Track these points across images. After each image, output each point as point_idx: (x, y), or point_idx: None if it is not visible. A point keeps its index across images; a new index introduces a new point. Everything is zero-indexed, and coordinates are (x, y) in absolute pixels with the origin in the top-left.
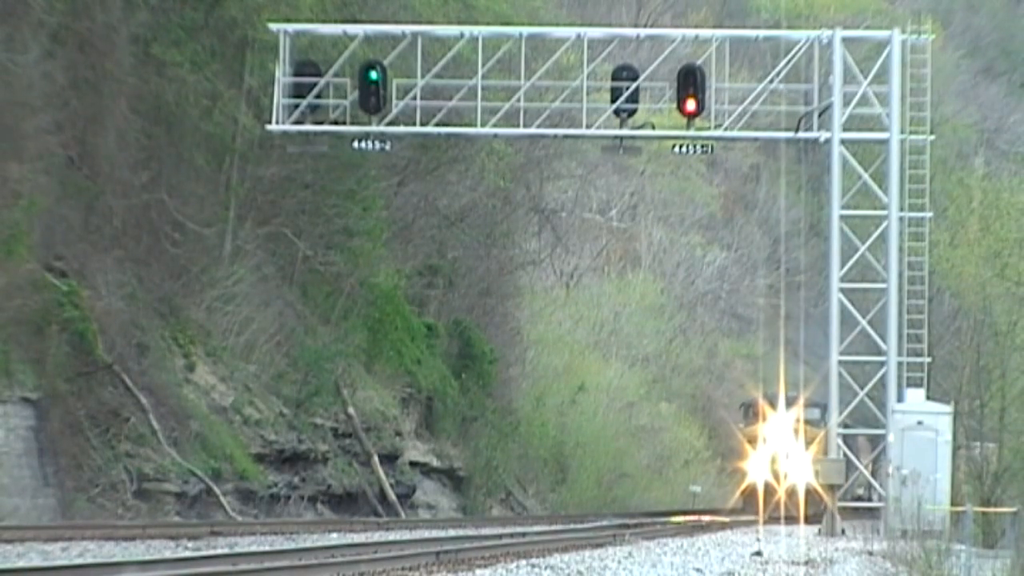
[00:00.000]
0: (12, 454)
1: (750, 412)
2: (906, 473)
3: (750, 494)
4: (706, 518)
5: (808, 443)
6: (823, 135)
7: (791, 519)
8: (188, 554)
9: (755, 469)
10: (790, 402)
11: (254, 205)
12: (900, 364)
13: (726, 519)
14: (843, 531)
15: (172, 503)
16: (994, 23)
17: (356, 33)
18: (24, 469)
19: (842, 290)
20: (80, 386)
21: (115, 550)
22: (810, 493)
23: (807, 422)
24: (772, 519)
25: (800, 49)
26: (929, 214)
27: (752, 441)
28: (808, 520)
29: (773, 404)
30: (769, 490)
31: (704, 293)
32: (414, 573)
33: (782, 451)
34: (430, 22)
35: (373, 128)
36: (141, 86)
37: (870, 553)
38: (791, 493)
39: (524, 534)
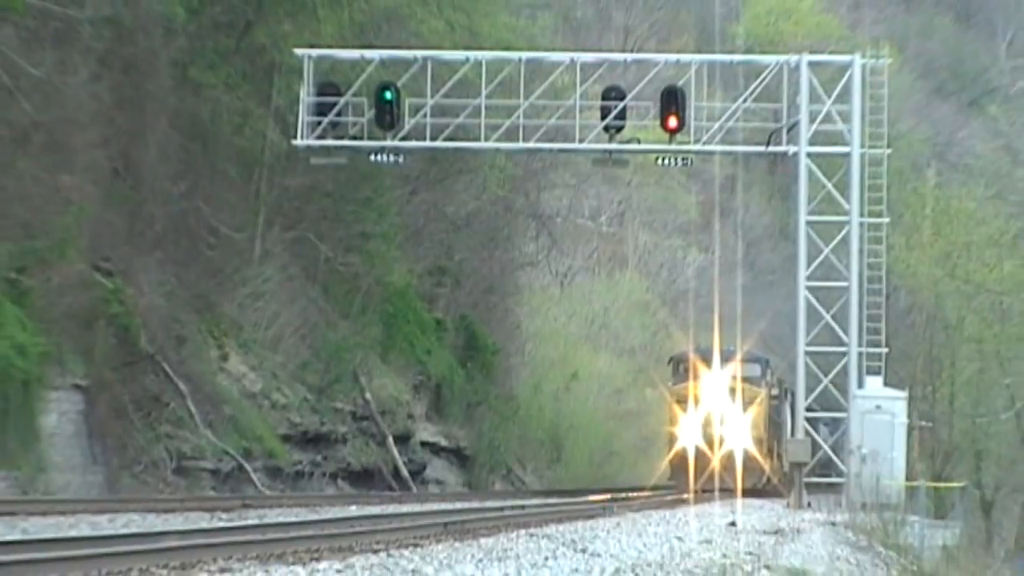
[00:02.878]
0: (64, 435)
1: (680, 368)
2: (865, 452)
3: (679, 463)
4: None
5: (747, 404)
6: (791, 149)
7: (726, 491)
8: (222, 525)
9: (685, 434)
10: (726, 357)
11: (281, 212)
12: (860, 354)
13: (648, 494)
14: (809, 504)
15: (207, 479)
16: (945, 48)
17: (372, 57)
18: (75, 449)
19: (808, 288)
20: (125, 374)
21: (156, 521)
22: (748, 461)
23: (745, 379)
24: (705, 491)
25: (770, 72)
26: (886, 220)
27: (682, 401)
28: (745, 493)
29: (706, 359)
30: (701, 458)
31: (685, 291)
32: (424, 542)
33: (717, 412)
34: (439, 47)
35: (388, 143)
36: (179, 105)
37: (833, 524)
38: (727, 461)
39: (523, 507)
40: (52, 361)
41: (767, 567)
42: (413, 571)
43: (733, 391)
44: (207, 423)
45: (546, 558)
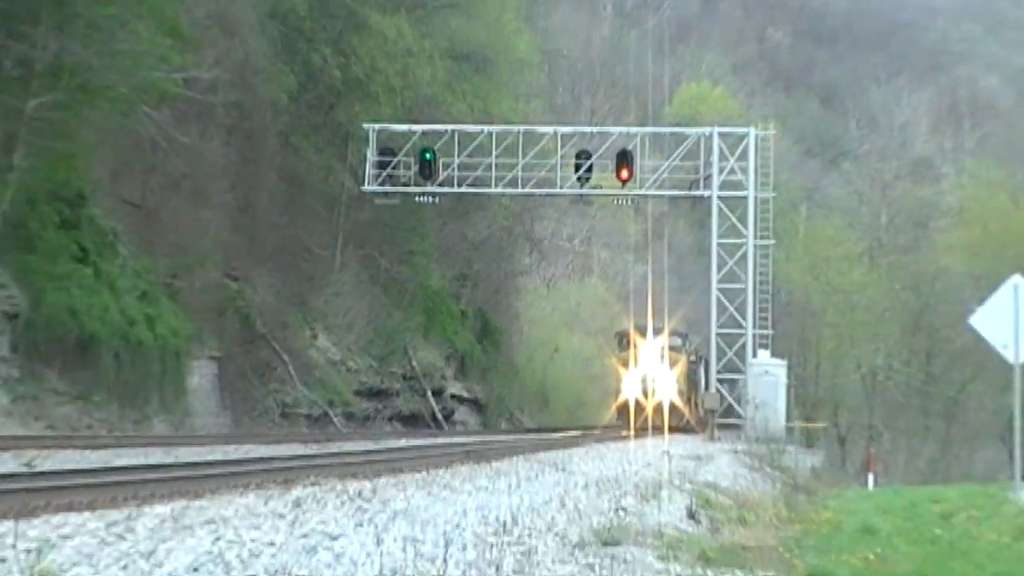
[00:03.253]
0: (203, 391)
1: (623, 340)
2: (757, 403)
3: (623, 409)
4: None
5: (671, 366)
6: (706, 193)
7: (657, 429)
8: (312, 452)
9: (627, 388)
10: (657, 331)
11: (353, 236)
12: (754, 335)
13: (600, 432)
14: (718, 438)
15: (303, 421)
16: (813, 122)
17: (416, 130)
18: (210, 400)
19: (719, 289)
20: (245, 348)
21: (268, 450)
22: (672, 408)
23: (671, 348)
24: (642, 430)
25: (692, 140)
26: (772, 242)
27: (624, 364)
28: (671, 431)
29: (643, 333)
30: (639, 406)
31: (631, 291)
32: (453, 464)
33: (650, 372)
34: (463, 123)
35: (427, 189)
36: (283, 162)
37: (735, 452)
38: (657, 408)
39: (522, 440)
40: (195, 339)
41: (690, 482)
42: (445, 484)
43: (661, 357)
44: (303, 382)
45: (536, 475)
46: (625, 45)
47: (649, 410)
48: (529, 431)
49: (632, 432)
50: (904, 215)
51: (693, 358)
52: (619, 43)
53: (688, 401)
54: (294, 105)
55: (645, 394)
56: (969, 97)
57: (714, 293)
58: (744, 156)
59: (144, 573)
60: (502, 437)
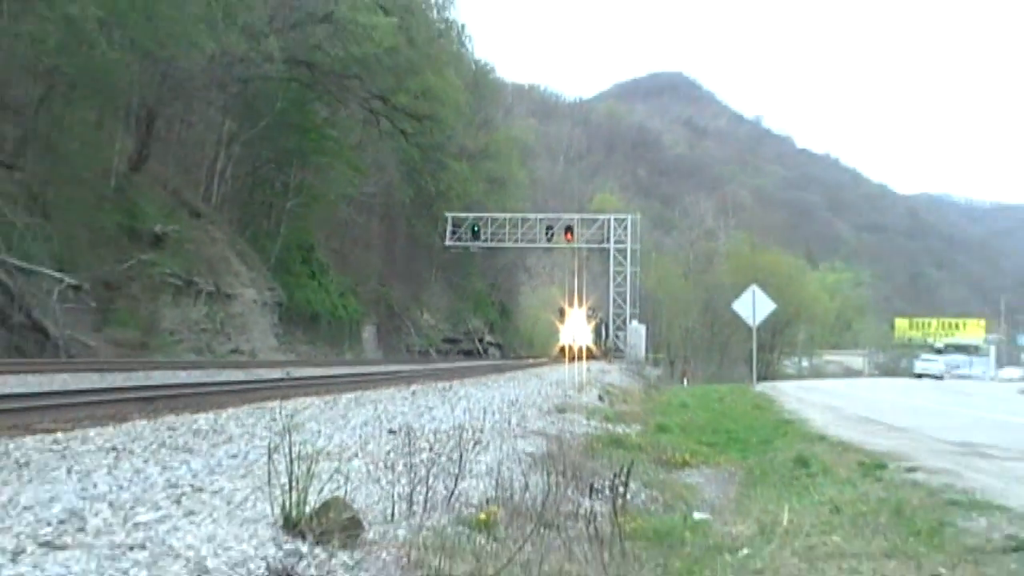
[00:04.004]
0: (369, 340)
1: (561, 312)
2: (631, 345)
3: (562, 349)
4: (544, 359)
5: (587, 324)
6: (607, 245)
7: (580, 359)
8: (421, 368)
9: (563, 337)
10: (578, 308)
11: (440, 265)
12: (630, 312)
13: (548, 360)
14: (613, 363)
15: (416, 354)
16: (661, 209)
17: (470, 215)
18: (372, 344)
19: (615, 291)
20: (389, 319)
21: (400, 368)
22: (587, 349)
23: (587, 316)
24: (571, 360)
25: (600, 220)
26: (638, 269)
27: (561, 324)
28: (587, 360)
29: (570, 308)
30: (570, 347)
31: (569, 291)
32: (488, 373)
33: (575, 329)
34: (492, 211)
35: (475, 244)
36: (408, 230)
37: (620, 369)
38: (579, 348)
39: (520, 363)
40: (365, 315)
41: (598, 383)
42: (484, 384)
43: (580, 320)
44: (416, 335)
45: (528, 379)
46: (570, 175)
47: (575, 349)
48: (521, 358)
49: (567, 361)
50: (701, 256)
51: (598, 321)
52: (567, 174)
53: (596, 344)
54: (412, 203)
55: (572, 341)
56: (732, 200)
57: (611, 293)
58: (625, 228)
59: (343, 423)
60: (510, 361)
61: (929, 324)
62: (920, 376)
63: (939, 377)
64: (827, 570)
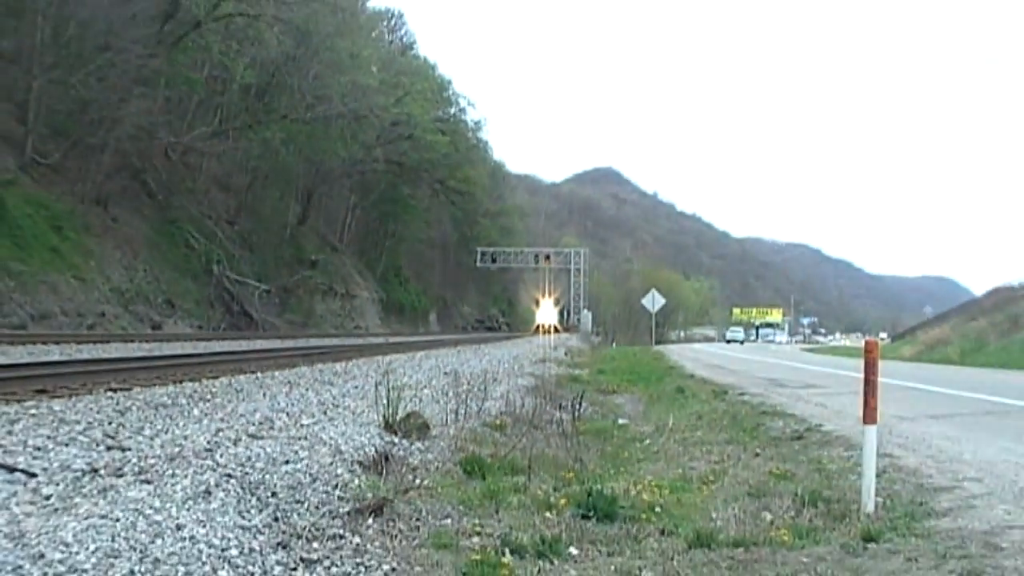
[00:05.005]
0: (433, 321)
1: (537, 302)
2: (582, 323)
3: (538, 327)
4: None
5: (554, 308)
6: (569, 267)
7: (548, 333)
8: (462, 337)
9: (538, 318)
10: (549, 299)
11: (473, 278)
12: (583, 305)
13: (530, 335)
14: (571, 336)
15: (460, 330)
16: (598, 248)
17: (490, 249)
18: (436, 324)
19: (573, 293)
20: (444, 309)
21: (453, 336)
22: (554, 326)
23: (554, 304)
24: (544, 334)
25: (565, 252)
26: (587, 279)
27: (537, 309)
28: (555, 333)
29: (544, 299)
30: (542, 326)
31: (544, 292)
32: (500, 341)
33: (546, 313)
34: (505, 247)
35: (493, 265)
36: (455, 258)
37: (576, 339)
38: (549, 326)
39: (518, 335)
40: (431, 307)
41: (563, 346)
42: (499, 346)
43: (550, 307)
44: (460, 319)
45: (523, 344)
46: (548, 227)
47: (546, 326)
48: (521, 333)
49: (541, 334)
50: (622, 273)
51: (561, 307)
52: (546, 226)
53: (560, 323)
54: (456, 242)
55: (544, 321)
56: (639, 241)
57: (571, 293)
58: (580, 256)
59: (417, 368)
60: (514, 334)
61: (751, 311)
62: (729, 341)
63: (741, 342)
64: (693, 451)
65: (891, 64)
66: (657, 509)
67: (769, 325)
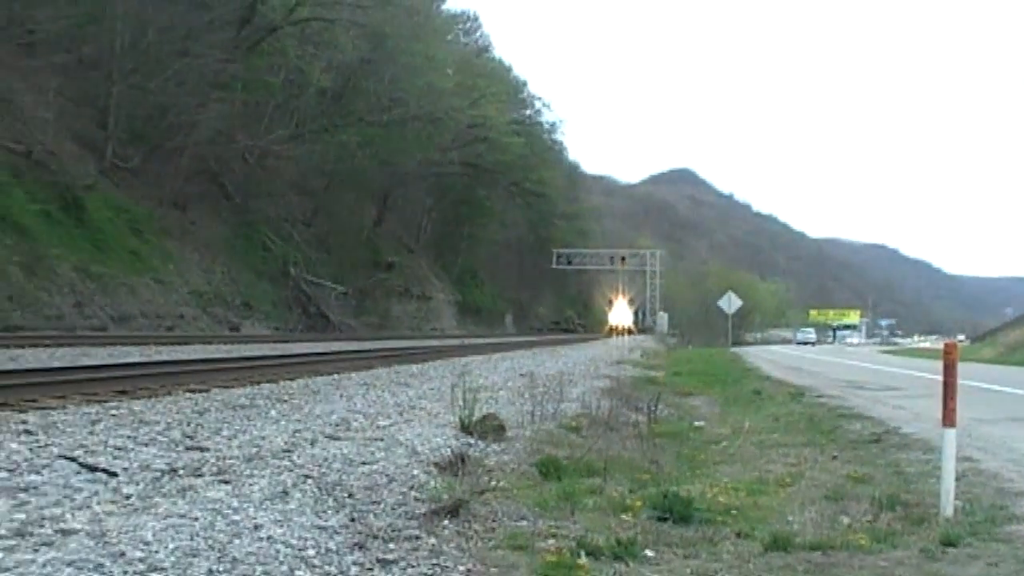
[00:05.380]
0: (509, 323)
1: (611, 302)
2: (659, 324)
3: (610, 328)
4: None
5: (629, 309)
6: (645, 268)
7: (622, 335)
8: (538, 339)
9: (611, 319)
10: (623, 299)
11: (549, 281)
12: (659, 306)
13: (603, 336)
14: (647, 336)
15: (536, 332)
16: (676, 248)
17: (566, 250)
18: (512, 326)
19: (650, 294)
20: (520, 311)
21: (527, 339)
22: (629, 327)
23: (628, 304)
24: (617, 336)
25: (641, 253)
26: (662, 281)
27: (610, 310)
28: (629, 335)
29: (616, 298)
30: (616, 326)
31: (618, 292)
32: (576, 342)
33: (621, 313)
34: (579, 248)
35: (569, 267)
36: (531, 261)
37: (652, 339)
38: (624, 328)
39: (595, 337)
40: (506, 308)
41: (640, 347)
42: (578, 347)
43: (624, 307)
44: (536, 320)
45: (599, 344)
46: (624, 228)
47: (620, 327)
48: (599, 335)
49: (614, 335)
50: (698, 274)
51: (636, 308)
52: (622, 227)
53: (634, 325)
54: (532, 244)
55: (619, 321)
56: (715, 243)
57: (647, 295)
58: (655, 258)
59: (494, 370)
60: (589, 336)
61: (828, 313)
62: (800, 343)
63: (813, 344)
64: (770, 453)
65: (971, 60)
66: (733, 512)
67: (847, 327)
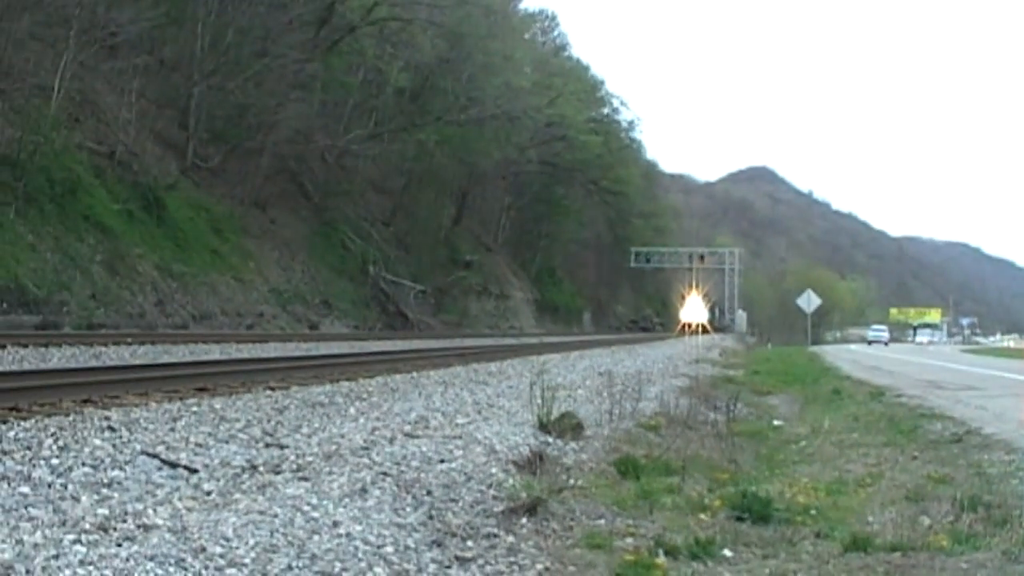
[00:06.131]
0: (587, 321)
1: (683, 298)
2: (737, 323)
3: (681, 327)
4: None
5: (704, 307)
6: (724, 267)
7: (696, 333)
8: (617, 337)
9: (683, 317)
10: (696, 295)
11: (627, 279)
12: (737, 303)
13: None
14: (725, 335)
15: (614, 330)
16: (754, 247)
17: (644, 249)
18: (590, 324)
19: (727, 292)
20: (597, 309)
21: (606, 337)
22: (704, 325)
23: (703, 299)
24: (691, 334)
25: (720, 252)
26: (741, 278)
27: (682, 306)
28: (703, 333)
29: (689, 294)
30: (688, 324)
31: (692, 288)
32: (654, 341)
33: (694, 310)
34: (657, 246)
35: (647, 265)
36: (609, 259)
37: (731, 338)
38: (697, 326)
39: (669, 335)
40: (584, 306)
41: (718, 346)
42: (652, 346)
43: (698, 304)
44: (614, 318)
45: (672, 344)
46: (702, 226)
47: (693, 325)
48: (668, 334)
49: (687, 334)
50: (777, 272)
51: (711, 305)
52: (700, 226)
53: (709, 323)
54: (610, 242)
55: (692, 319)
56: (794, 241)
57: (726, 293)
58: (734, 256)
59: (572, 368)
60: (669, 336)
61: (909, 311)
62: (871, 343)
63: (885, 343)
64: (850, 453)
65: None
66: (812, 512)
67: (927, 326)
